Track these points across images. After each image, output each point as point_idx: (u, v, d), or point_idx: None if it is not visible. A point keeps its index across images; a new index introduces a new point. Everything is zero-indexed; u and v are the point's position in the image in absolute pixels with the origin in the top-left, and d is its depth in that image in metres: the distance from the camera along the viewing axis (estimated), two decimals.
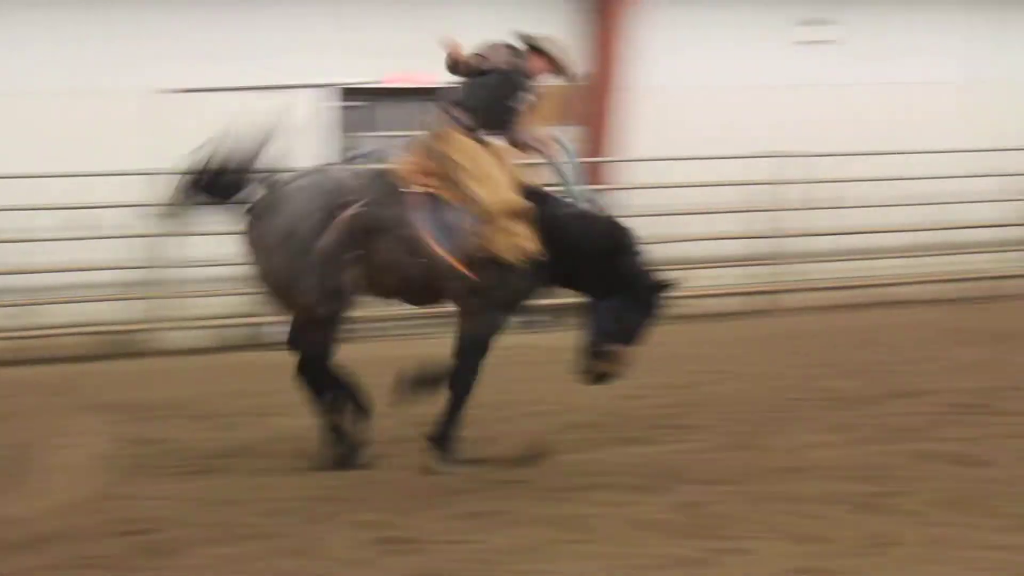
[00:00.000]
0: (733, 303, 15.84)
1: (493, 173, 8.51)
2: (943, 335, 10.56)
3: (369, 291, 8.67)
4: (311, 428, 8.76)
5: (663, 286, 8.71)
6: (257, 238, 8.46)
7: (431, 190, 8.48)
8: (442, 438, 8.57)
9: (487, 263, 8.43)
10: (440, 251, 8.36)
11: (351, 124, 16.16)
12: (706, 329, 14.30)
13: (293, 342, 8.70)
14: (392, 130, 16.28)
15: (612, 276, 8.62)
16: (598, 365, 8.77)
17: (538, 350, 11.90)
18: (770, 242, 16.23)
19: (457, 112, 8.62)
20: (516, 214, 8.45)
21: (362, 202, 8.39)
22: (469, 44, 8.70)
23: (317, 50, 15.67)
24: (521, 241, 8.44)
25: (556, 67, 8.81)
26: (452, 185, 8.47)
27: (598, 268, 8.61)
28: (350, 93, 16.19)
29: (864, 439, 9.11)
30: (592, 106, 16.31)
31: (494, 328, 8.65)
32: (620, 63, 16.18)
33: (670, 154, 15.63)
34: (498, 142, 8.74)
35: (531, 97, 8.74)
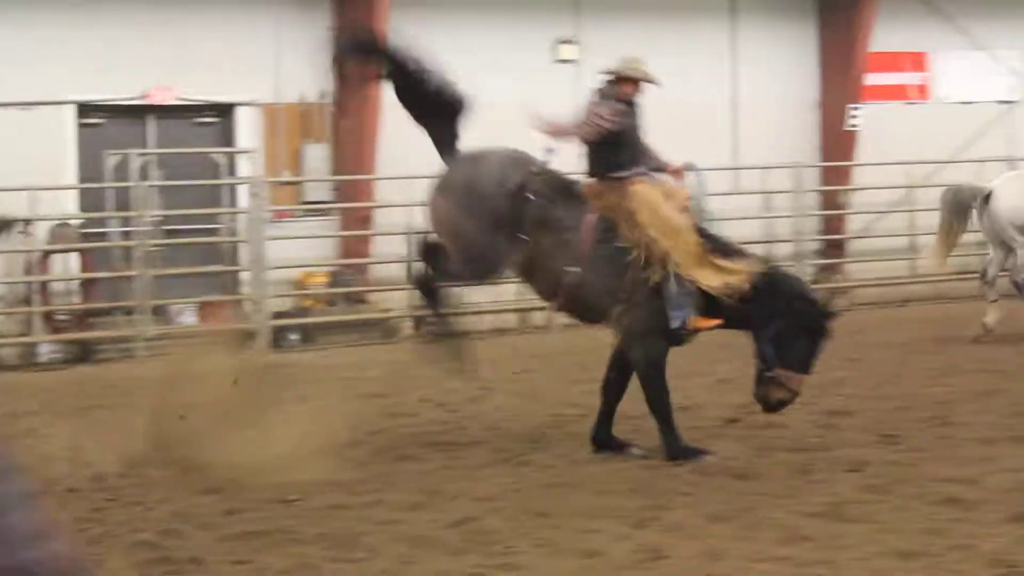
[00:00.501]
0: (510, 319, 16.05)
1: (672, 221, 9.12)
2: (709, 350, 10.82)
3: (527, 282, 9.60)
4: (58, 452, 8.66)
5: (829, 311, 9.24)
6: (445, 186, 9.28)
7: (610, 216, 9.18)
8: (677, 451, 9.09)
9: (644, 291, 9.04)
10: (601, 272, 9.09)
11: (112, 141, 15.87)
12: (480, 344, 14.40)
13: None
14: (166, 146, 16.06)
15: (777, 304, 9.07)
16: (774, 392, 9.12)
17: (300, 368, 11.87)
18: None
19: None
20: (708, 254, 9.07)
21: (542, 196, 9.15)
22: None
23: (68, 65, 15.40)
24: (730, 276, 9.02)
25: (643, 86, 9.43)
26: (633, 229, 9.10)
27: (765, 297, 9.07)
28: (100, 110, 15.95)
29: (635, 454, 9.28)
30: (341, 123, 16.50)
31: (654, 352, 9.19)
32: None
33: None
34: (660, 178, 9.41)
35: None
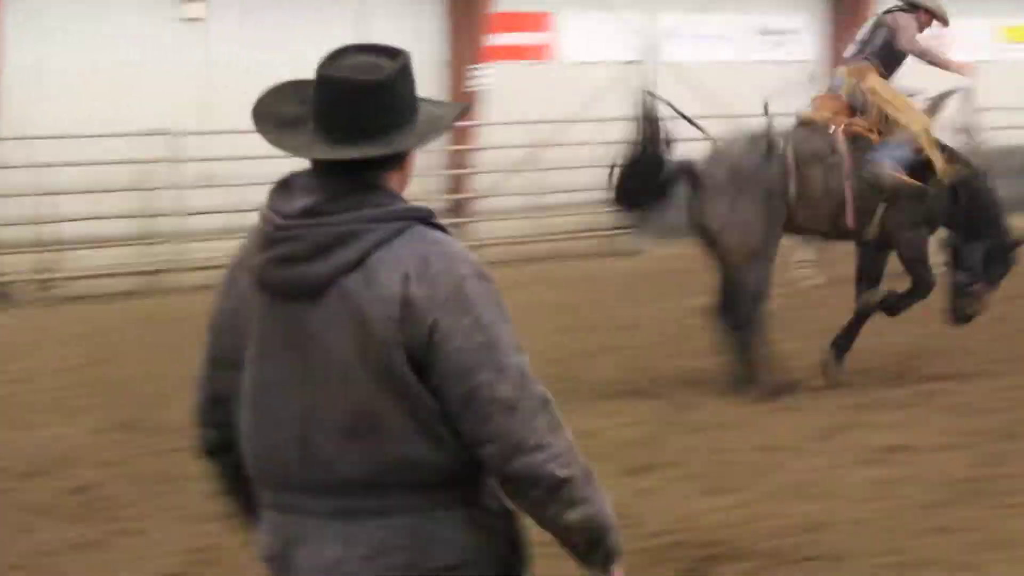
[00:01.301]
0: (122, 283, 15.58)
1: (910, 104, 9.99)
2: None
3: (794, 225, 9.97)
4: None
5: (1020, 242, 10.19)
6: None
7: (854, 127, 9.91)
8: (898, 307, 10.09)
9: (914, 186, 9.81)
10: (884, 171, 9.76)
11: None
12: (92, 310, 14.02)
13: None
14: None
15: (988, 222, 10.08)
16: (972, 305, 10.15)
17: None
18: (155, 221, 16.19)
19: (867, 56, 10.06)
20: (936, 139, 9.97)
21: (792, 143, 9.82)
22: None
23: None
24: (949, 161, 9.90)
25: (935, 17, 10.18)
26: (878, 117, 9.90)
27: (982, 211, 10.05)
28: None
29: None
30: None
31: (922, 244, 10.06)
32: None
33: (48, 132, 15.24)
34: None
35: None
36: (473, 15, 19.80)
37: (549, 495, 2.91)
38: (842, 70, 10.30)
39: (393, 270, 2.88)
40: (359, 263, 2.87)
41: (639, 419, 8.88)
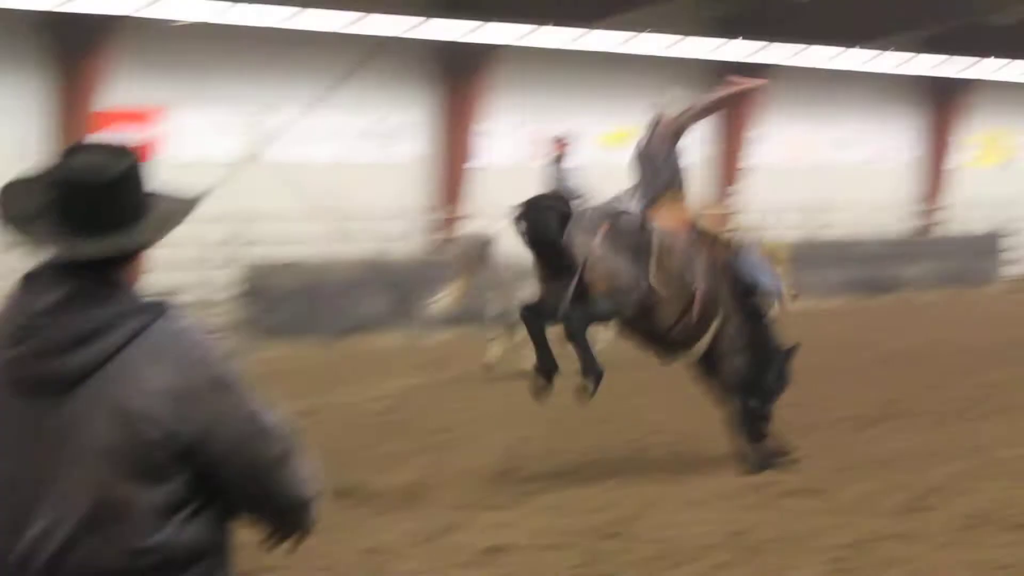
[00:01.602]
0: None
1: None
2: None
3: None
4: None
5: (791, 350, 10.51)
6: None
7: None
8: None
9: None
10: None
11: None
12: None
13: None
14: None
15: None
16: (763, 426, 10.35)
17: None
18: None
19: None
20: None
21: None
22: None
23: None
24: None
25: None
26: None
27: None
28: None
29: None
30: None
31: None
32: None
33: None
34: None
35: None
36: (80, 113, 19.32)
37: (302, 514, 3.21)
38: None
39: (150, 362, 2.98)
40: (112, 356, 2.95)
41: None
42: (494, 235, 15.58)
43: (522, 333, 11.05)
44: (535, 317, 9.71)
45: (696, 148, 27.88)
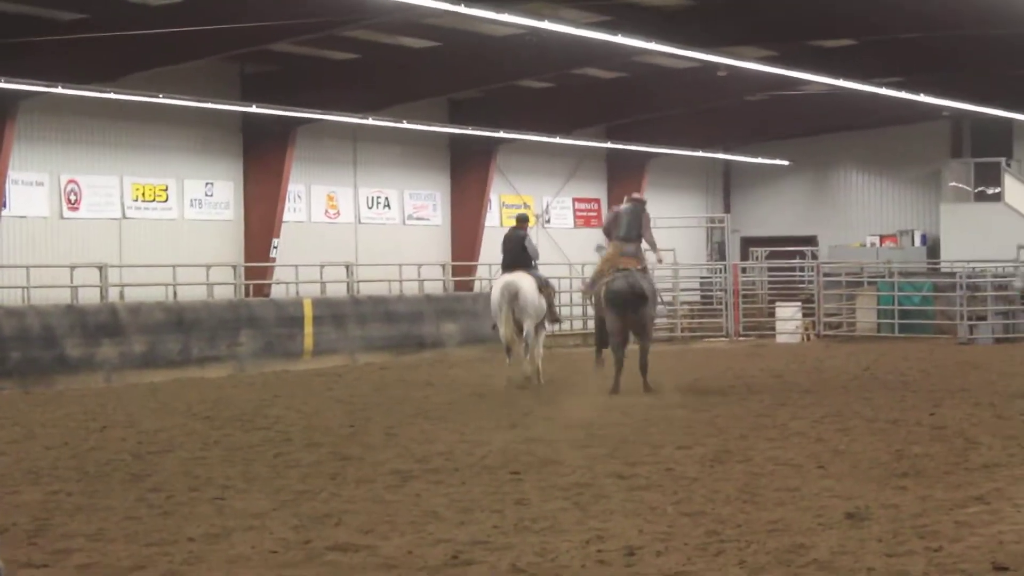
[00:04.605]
0: None
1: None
2: None
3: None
4: None
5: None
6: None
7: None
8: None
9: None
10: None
11: None
12: None
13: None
14: None
15: None
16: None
17: None
18: None
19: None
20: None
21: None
22: None
23: None
24: None
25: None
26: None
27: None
28: None
29: None
30: None
31: None
32: None
33: None
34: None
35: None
36: None
37: None
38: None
39: None
40: None
41: None
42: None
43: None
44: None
45: (233, 205, 28.48)
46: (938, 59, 28.76)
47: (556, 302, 22.08)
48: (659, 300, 20.90)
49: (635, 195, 20.62)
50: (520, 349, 20.93)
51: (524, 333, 20.70)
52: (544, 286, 20.99)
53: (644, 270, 19.68)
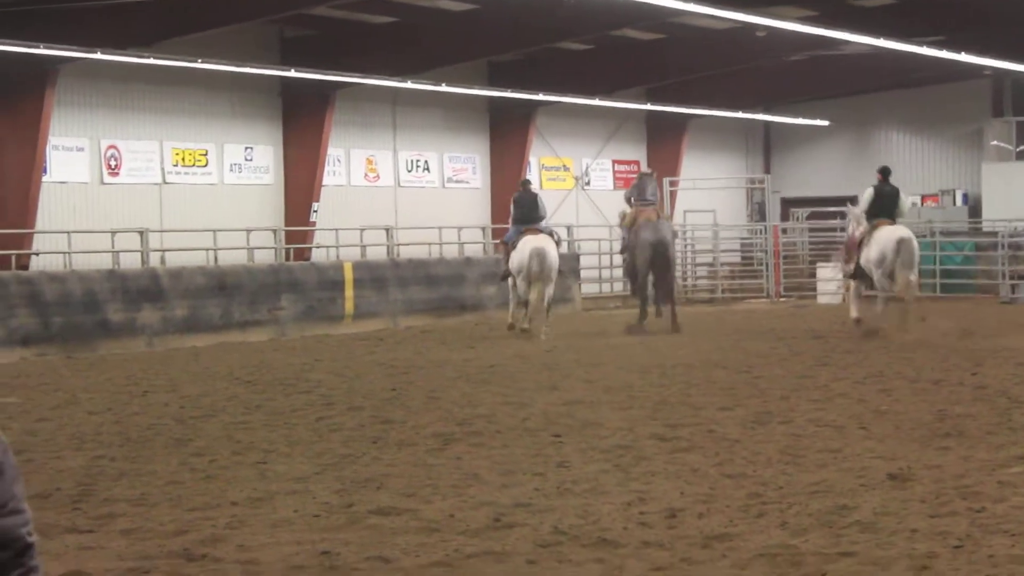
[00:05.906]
0: None
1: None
2: None
3: None
4: None
5: None
6: None
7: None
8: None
9: None
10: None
11: None
12: None
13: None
14: None
15: None
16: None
17: None
18: None
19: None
20: None
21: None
22: None
23: None
24: None
25: None
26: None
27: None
28: None
29: None
30: None
31: None
32: None
33: None
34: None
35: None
36: None
37: (16, 558, 3.00)
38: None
39: None
40: None
41: None
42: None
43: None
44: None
45: (272, 170, 28.59)
46: (979, 17, 28.53)
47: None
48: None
49: (646, 170, 27.24)
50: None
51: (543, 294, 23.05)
52: (558, 243, 23.96)
53: (666, 219, 25.24)
